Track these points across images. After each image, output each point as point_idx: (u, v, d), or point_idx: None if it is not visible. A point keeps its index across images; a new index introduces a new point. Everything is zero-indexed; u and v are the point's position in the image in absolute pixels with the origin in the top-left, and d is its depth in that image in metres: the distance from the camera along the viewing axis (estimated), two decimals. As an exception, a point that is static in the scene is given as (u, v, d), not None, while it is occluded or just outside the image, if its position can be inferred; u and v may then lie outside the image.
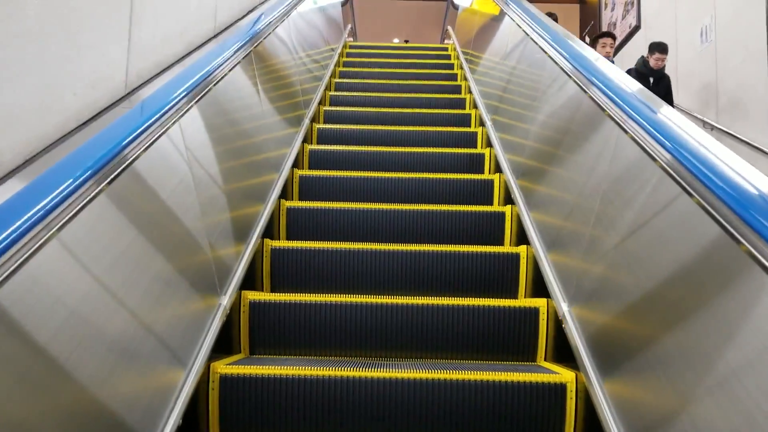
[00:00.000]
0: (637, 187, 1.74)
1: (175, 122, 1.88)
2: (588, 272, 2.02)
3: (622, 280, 1.75)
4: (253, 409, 1.92)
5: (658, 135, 1.60)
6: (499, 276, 2.64)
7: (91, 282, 1.36)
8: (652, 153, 1.63)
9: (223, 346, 2.14)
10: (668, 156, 1.52)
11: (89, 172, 1.34)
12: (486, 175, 3.54)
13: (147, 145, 1.66)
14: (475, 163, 3.77)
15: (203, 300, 2.03)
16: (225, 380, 1.92)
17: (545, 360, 2.27)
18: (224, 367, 1.94)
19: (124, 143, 1.53)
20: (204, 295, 2.03)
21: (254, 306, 2.31)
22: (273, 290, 2.64)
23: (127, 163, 1.53)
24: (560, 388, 1.90)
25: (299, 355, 2.30)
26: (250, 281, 2.55)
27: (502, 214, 3.04)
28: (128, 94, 2.07)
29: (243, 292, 2.33)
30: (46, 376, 1.17)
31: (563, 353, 2.09)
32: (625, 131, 1.84)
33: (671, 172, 1.49)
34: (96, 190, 1.37)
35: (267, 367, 1.95)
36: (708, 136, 1.51)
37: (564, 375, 1.92)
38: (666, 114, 1.73)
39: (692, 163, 1.40)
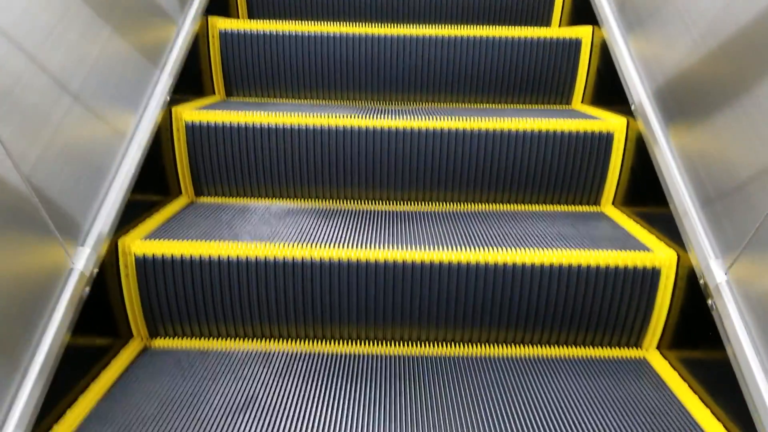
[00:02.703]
0: None
1: None
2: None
3: None
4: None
5: None
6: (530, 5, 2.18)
7: None
8: None
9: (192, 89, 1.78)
10: None
11: None
12: None
13: None
14: None
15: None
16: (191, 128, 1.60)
17: (583, 103, 1.97)
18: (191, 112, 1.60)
19: None
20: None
21: (225, 36, 1.85)
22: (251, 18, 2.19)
23: None
24: (606, 137, 1.60)
25: (283, 98, 1.95)
26: (222, 9, 2.05)
27: None
28: None
29: (210, 18, 1.83)
30: None
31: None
32: None
33: None
34: None
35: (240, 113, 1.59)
36: None
37: (609, 122, 1.60)
38: None
39: None
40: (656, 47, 1.47)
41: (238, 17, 2.16)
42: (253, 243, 1.29)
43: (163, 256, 1.27)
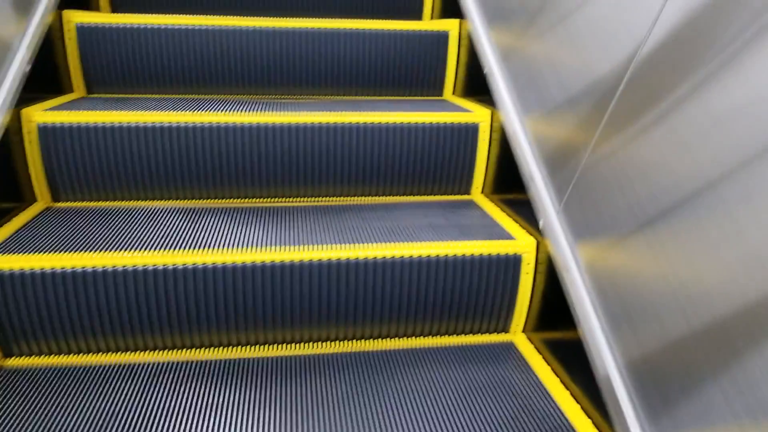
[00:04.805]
0: None
1: None
2: None
3: None
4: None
5: None
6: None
7: None
8: None
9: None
10: None
11: None
12: None
13: None
14: None
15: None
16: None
17: (453, 95, 2.01)
18: (43, 113, 1.60)
19: None
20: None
21: (83, 31, 1.73)
22: (115, 10, 2.09)
23: None
24: (472, 128, 1.66)
25: (149, 94, 1.85)
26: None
27: None
28: None
29: (65, 12, 1.68)
30: None
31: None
32: None
33: None
34: None
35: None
36: None
37: (476, 114, 1.65)
38: None
39: None
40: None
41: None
42: (111, 252, 1.23)
43: (21, 270, 1.18)
